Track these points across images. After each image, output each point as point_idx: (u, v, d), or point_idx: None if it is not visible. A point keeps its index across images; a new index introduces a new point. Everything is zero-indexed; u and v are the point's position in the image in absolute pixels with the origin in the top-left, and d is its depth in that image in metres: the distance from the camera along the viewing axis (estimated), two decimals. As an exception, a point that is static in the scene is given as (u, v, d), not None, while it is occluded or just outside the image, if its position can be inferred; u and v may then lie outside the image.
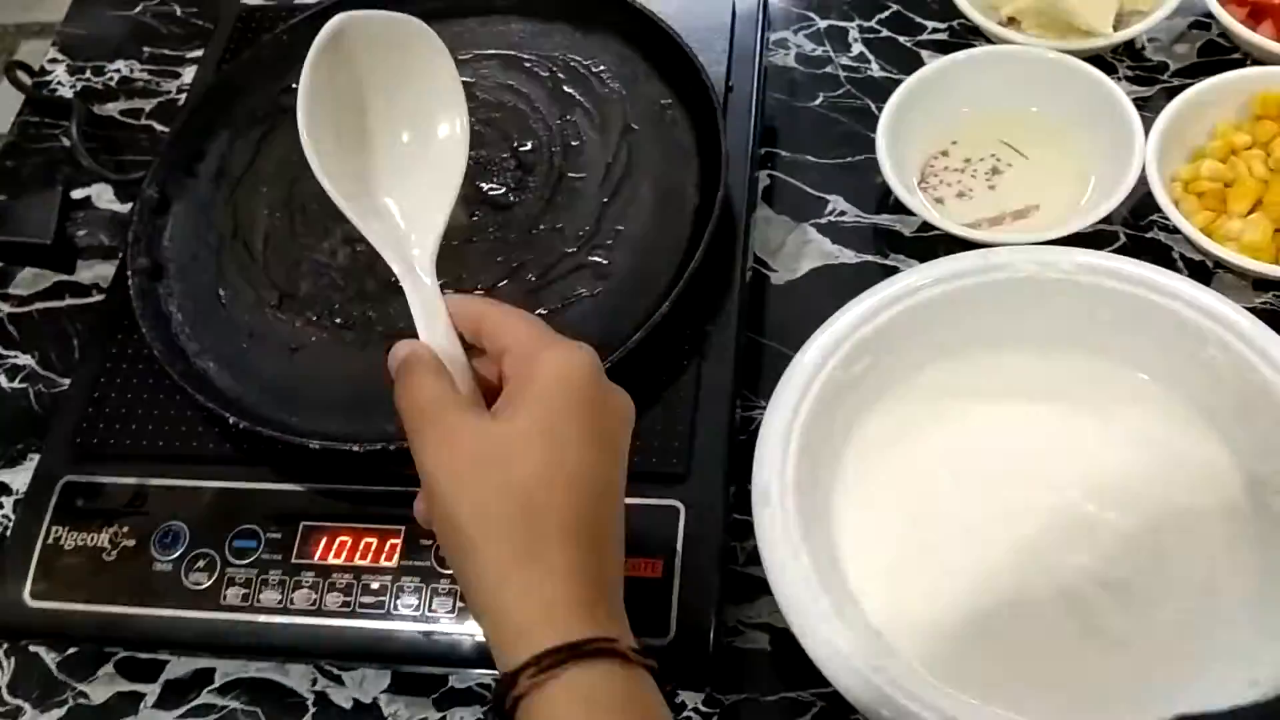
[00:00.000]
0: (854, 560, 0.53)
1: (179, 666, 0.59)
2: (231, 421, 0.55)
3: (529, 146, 0.64)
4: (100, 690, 0.59)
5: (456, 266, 0.60)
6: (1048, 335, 0.57)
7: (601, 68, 0.67)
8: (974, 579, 0.53)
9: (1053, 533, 0.54)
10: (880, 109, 0.67)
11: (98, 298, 0.73)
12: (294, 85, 0.65)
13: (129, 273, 0.61)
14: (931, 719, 0.45)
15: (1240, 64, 0.68)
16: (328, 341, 0.60)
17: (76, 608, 0.55)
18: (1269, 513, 0.51)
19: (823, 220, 0.69)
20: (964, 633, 0.52)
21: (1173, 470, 0.54)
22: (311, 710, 0.57)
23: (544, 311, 0.58)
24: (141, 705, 0.58)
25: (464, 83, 0.66)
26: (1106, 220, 0.63)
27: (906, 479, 0.56)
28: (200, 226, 0.65)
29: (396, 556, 0.54)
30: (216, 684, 0.58)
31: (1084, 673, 0.50)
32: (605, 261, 0.59)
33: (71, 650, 0.60)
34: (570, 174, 0.63)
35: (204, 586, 0.54)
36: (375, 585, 0.53)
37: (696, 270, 0.56)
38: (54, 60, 0.86)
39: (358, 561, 0.54)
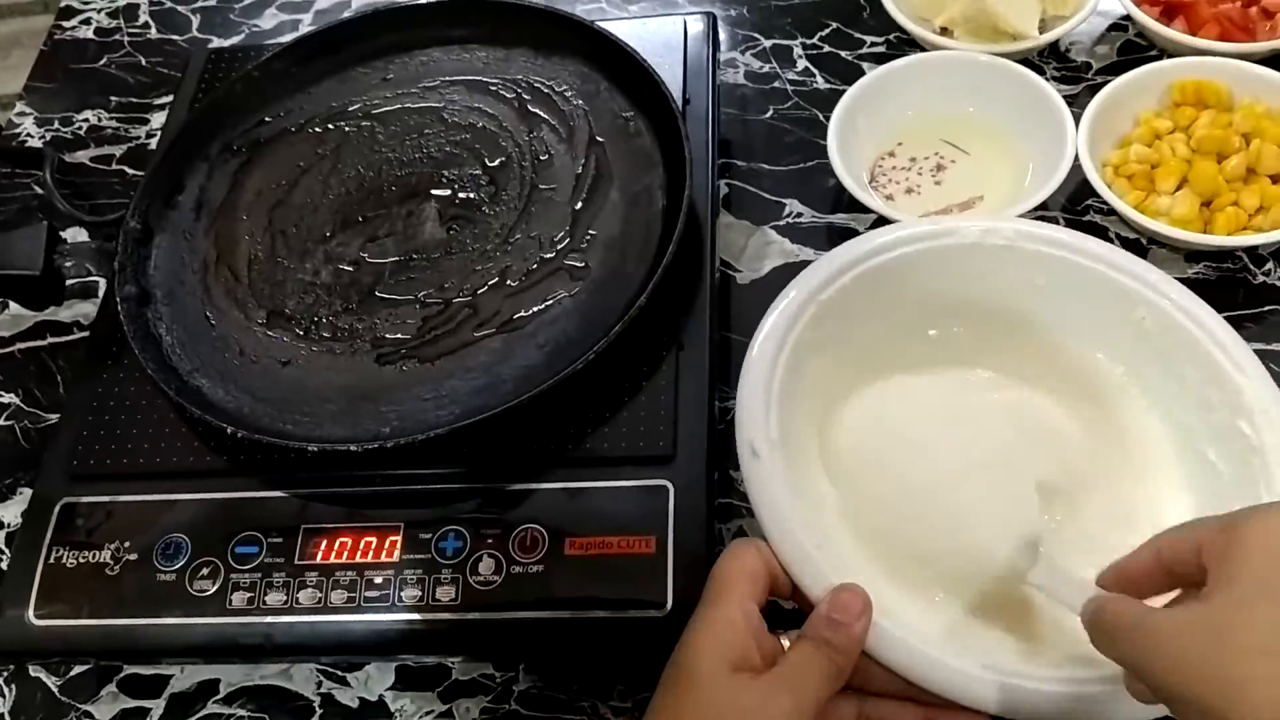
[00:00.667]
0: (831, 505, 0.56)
1: (183, 680, 0.60)
2: (230, 431, 0.57)
3: (499, 163, 0.67)
4: (105, 709, 0.60)
5: (438, 277, 0.63)
6: (992, 304, 0.60)
7: (564, 87, 0.70)
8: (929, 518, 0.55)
9: (998, 491, 0.56)
10: (827, 118, 0.71)
11: (79, 334, 0.74)
12: (267, 119, 0.70)
13: (118, 299, 0.63)
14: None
15: (1156, 60, 0.73)
16: (317, 354, 0.62)
17: (83, 623, 0.56)
18: (1201, 461, 0.55)
19: (781, 222, 0.72)
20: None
21: (1106, 432, 0.57)
22: (319, 712, 0.58)
23: (525, 313, 0.61)
24: (148, 720, 0.59)
25: (433, 107, 0.71)
26: (1045, 207, 0.68)
27: (866, 440, 0.58)
28: (184, 254, 0.67)
29: (398, 552, 0.55)
30: (221, 694, 0.59)
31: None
32: (581, 264, 0.62)
33: (74, 672, 0.61)
34: (541, 185, 0.66)
35: (209, 593, 0.55)
36: (379, 580, 0.55)
37: (670, 264, 0.59)
38: (21, 114, 0.88)
39: (359, 559, 0.56)
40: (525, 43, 0.73)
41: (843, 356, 0.59)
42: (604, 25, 0.71)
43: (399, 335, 0.61)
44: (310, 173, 0.69)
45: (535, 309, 0.61)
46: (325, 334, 0.62)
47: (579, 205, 0.65)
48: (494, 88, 0.71)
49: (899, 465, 0.57)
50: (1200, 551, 0.40)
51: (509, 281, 0.62)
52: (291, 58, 0.73)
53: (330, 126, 0.71)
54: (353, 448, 0.55)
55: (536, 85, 0.71)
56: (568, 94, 0.70)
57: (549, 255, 0.63)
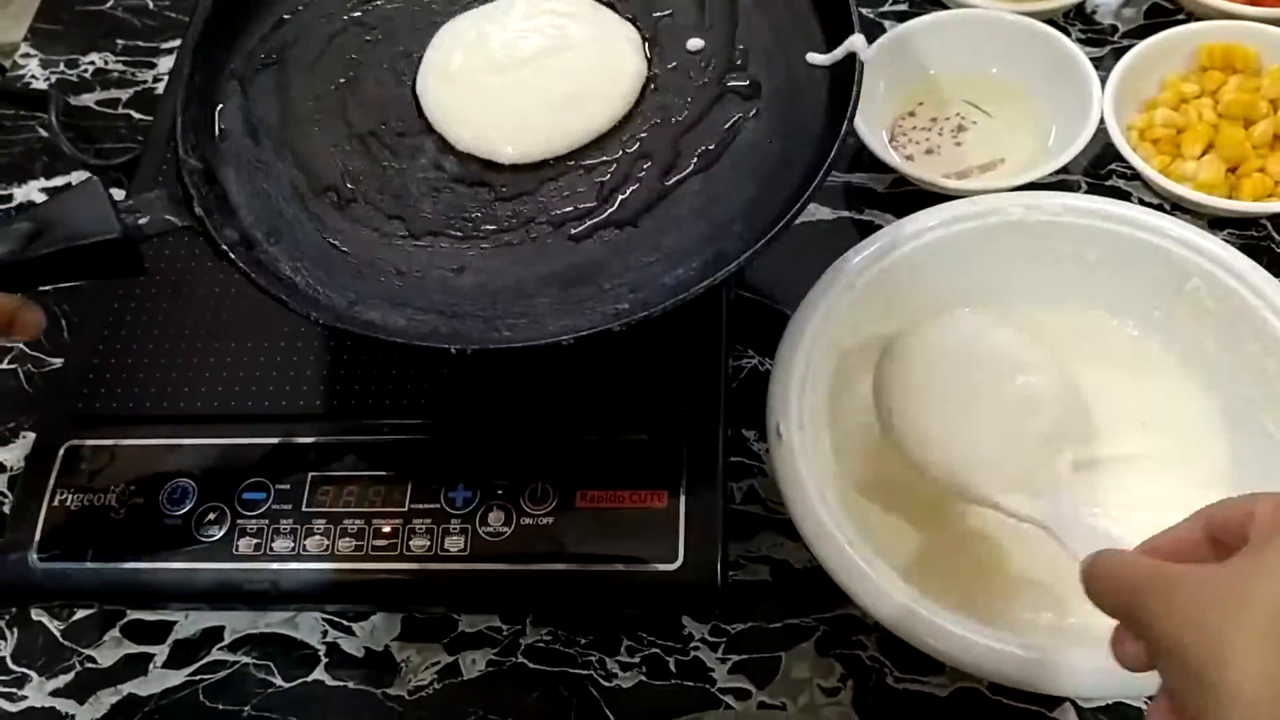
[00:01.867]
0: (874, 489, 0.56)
1: (187, 626, 0.60)
2: (455, 351, 0.48)
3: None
4: (108, 654, 0.59)
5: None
6: (1041, 285, 0.60)
7: None
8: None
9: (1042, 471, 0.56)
10: (848, 75, 0.70)
11: (84, 279, 0.73)
12: (286, 16, 0.61)
13: (225, 250, 0.51)
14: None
15: (1182, 24, 0.72)
16: (492, 250, 0.54)
17: (87, 566, 0.55)
18: (1259, 433, 0.54)
19: (798, 180, 0.71)
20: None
21: (1159, 415, 0.57)
22: (324, 661, 0.58)
23: (711, 147, 0.55)
24: (151, 666, 0.59)
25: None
26: (1067, 171, 0.67)
27: (906, 430, 0.58)
28: (265, 184, 0.56)
29: (406, 500, 0.55)
30: (226, 641, 0.59)
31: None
32: (745, 82, 0.56)
33: (77, 616, 0.60)
34: (657, 13, 0.59)
35: (216, 538, 0.55)
36: (387, 529, 0.54)
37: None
38: (25, 55, 0.87)
39: (367, 508, 0.55)
40: None
41: (882, 338, 0.58)
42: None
43: (582, 205, 0.54)
44: (366, 64, 0.60)
45: (719, 140, 0.55)
46: (490, 226, 0.54)
47: (710, 24, 0.58)
48: None
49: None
50: (1252, 521, 0.36)
51: (673, 119, 0.56)
52: None
53: (369, 6, 0.62)
54: (452, 349, 0.48)
55: None
56: None
57: (704, 81, 0.57)
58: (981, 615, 0.51)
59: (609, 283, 0.52)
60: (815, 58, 0.56)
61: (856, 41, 0.53)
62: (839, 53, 0.54)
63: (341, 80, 0.60)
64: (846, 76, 0.53)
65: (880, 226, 0.62)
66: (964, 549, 0.56)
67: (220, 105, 0.58)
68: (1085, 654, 0.47)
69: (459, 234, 0.54)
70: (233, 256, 0.51)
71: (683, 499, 0.53)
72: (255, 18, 0.61)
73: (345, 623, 0.59)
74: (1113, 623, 0.39)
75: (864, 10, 0.78)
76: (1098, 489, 0.56)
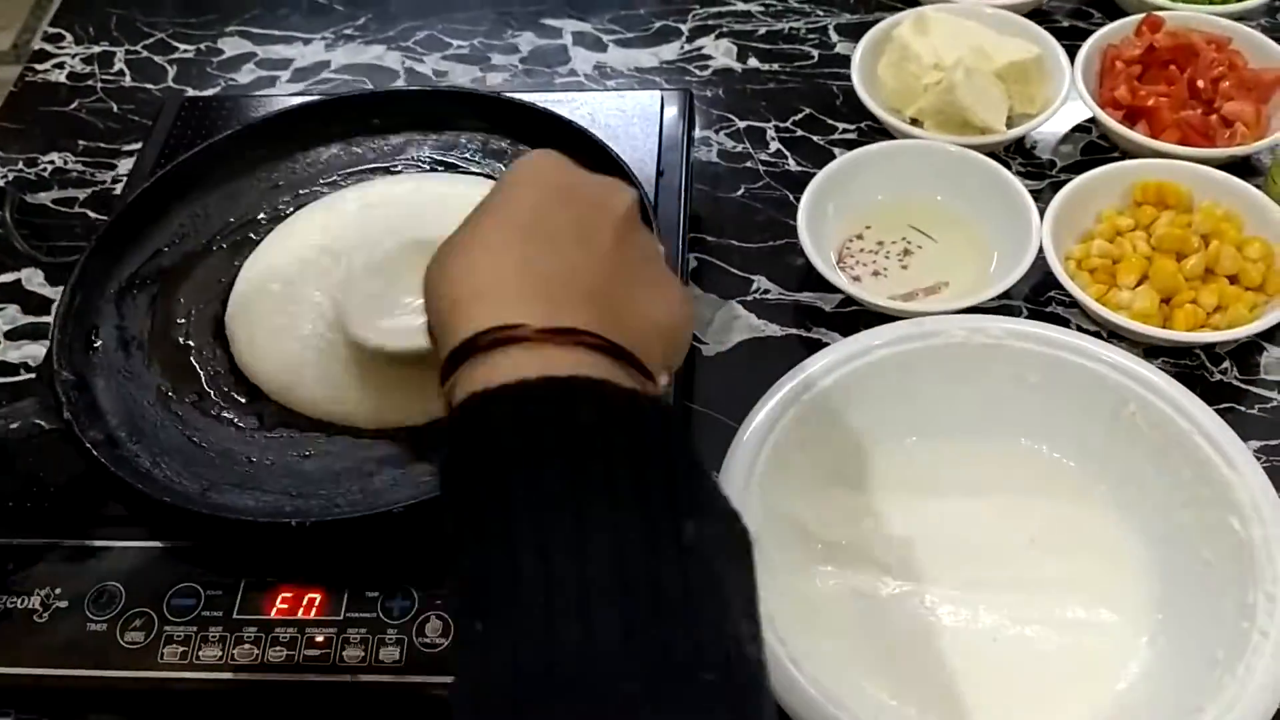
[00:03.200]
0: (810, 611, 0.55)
1: (106, 738, 0.57)
2: (295, 524, 0.52)
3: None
4: (19, 766, 0.56)
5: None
6: (981, 406, 0.61)
7: (467, 154, 0.71)
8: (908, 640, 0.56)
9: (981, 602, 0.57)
10: (797, 199, 0.72)
11: (26, 376, 0.72)
12: (164, 248, 0.66)
13: (90, 448, 0.55)
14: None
15: (1118, 161, 0.75)
16: (337, 435, 0.59)
17: (5, 671, 0.53)
18: (1195, 559, 0.54)
19: (749, 298, 0.72)
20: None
21: (1091, 566, 0.57)
22: (247, 778, 0.56)
23: None
24: (65, 779, 0.56)
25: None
26: (1009, 296, 0.69)
27: (848, 550, 0.58)
28: (132, 391, 0.60)
29: (342, 610, 0.54)
30: (145, 754, 0.56)
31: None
32: None
33: (-9, 724, 0.58)
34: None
35: (140, 646, 0.53)
36: (320, 638, 0.53)
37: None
38: (-15, 152, 0.87)
39: (301, 616, 0.54)
40: (411, 126, 0.73)
41: (826, 452, 0.59)
42: (589, 99, 0.73)
43: None
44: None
45: None
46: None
47: None
48: (396, 170, 0.71)
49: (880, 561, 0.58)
50: None
51: None
52: (166, 186, 0.68)
53: (239, 238, 0.67)
54: (293, 522, 0.52)
55: (439, 159, 0.71)
56: (474, 161, 0.70)
57: None
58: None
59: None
60: None
61: None
62: None
63: (205, 300, 0.65)
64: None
65: (827, 344, 0.63)
66: (913, 658, 0.55)
67: (97, 325, 0.63)
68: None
69: (308, 426, 0.59)
70: (95, 454, 0.55)
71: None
72: (135, 249, 0.67)
73: (272, 736, 0.57)
74: None
75: (815, 137, 0.81)
76: (1022, 607, 0.56)
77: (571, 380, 0.35)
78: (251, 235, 0.68)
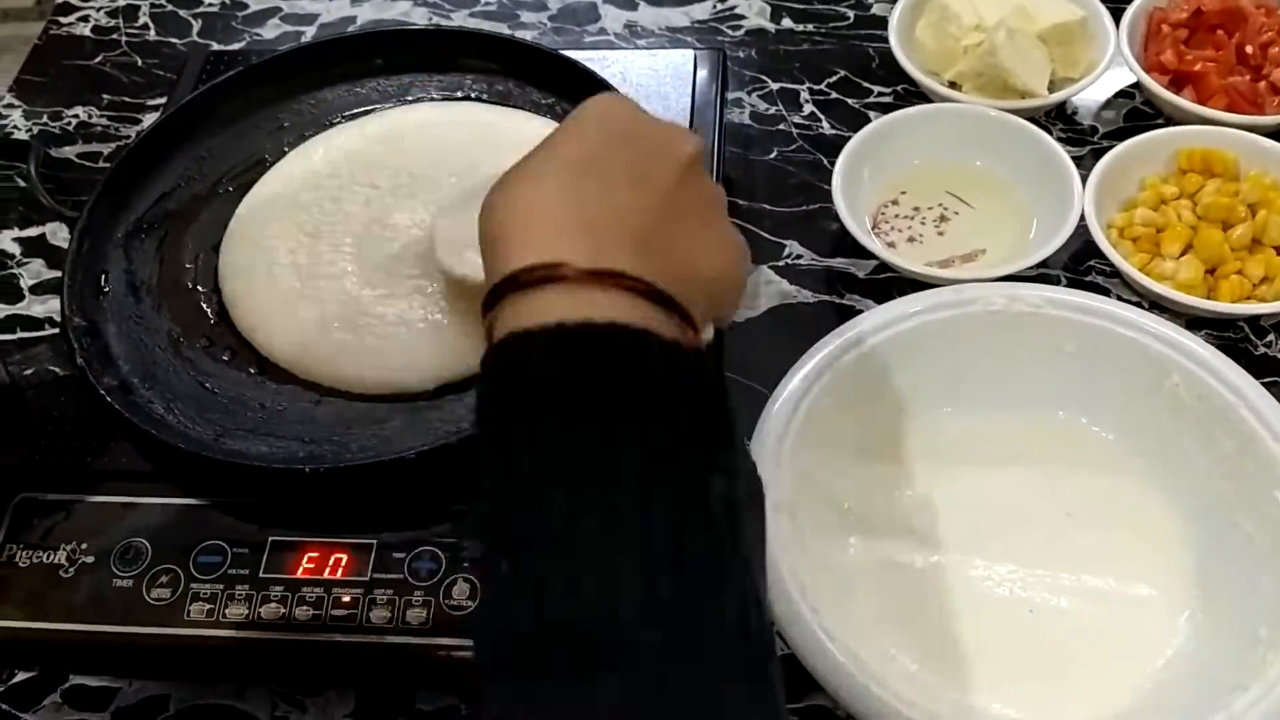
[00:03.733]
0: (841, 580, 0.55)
1: (129, 695, 0.57)
2: (309, 470, 0.53)
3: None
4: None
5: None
6: (1019, 375, 0.60)
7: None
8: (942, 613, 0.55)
9: (1014, 574, 0.56)
10: (831, 163, 0.71)
11: (51, 331, 0.72)
12: (168, 191, 0.66)
13: (104, 394, 0.55)
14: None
15: (1161, 128, 0.73)
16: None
17: (32, 625, 0.53)
18: (1236, 531, 0.54)
19: (780, 263, 0.71)
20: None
21: (1128, 539, 0.56)
22: (272, 736, 0.56)
23: None
24: (90, 734, 0.56)
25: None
26: (1047, 265, 0.67)
27: (880, 520, 0.58)
28: (141, 336, 0.60)
29: (369, 570, 0.53)
30: (171, 711, 0.56)
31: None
32: None
33: (17, 679, 0.58)
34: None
35: (166, 602, 0.53)
36: (346, 598, 0.52)
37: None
38: (9, 106, 0.86)
39: (328, 576, 0.53)
40: (417, 67, 0.72)
41: (860, 421, 0.58)
42: (620, 58, 0.72)
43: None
44: None
45: None
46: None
47: None
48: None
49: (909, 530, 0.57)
50: None
51: None
52: (170, 130, 0.68)
53: (244, 180, 0.67)
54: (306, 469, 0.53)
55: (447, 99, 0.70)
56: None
57: None
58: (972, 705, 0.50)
59: (453, 406, 0.56)
60: None
61: None
62: None
63: (213, 244, 0.64)
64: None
65: (861, 311, 0.62)
66: (946, 629, 0.54)
67: (106, 270, 0.63)
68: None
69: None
70: (109, 400, 0.55)
71: (654, 578, 0.52)
72: (140, 194, 0.66)
73: (297, 696, 0.56)
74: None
75: (850, 100, 0.80)
76: (1059, 580, 0.55)
77: (610, 327, 0.35)
78: (256, 177, 0.67)
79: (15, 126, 0.85)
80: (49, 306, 0.73)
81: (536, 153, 0.41)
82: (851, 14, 0.85)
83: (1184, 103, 0.72)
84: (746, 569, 0.34)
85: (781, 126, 0.79)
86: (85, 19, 0.92)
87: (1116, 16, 0.76)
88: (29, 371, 0.56)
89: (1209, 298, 0.63)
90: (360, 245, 0.61)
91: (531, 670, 0.31)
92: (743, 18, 0.86)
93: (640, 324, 0.35)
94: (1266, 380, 0.63)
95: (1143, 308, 0.66)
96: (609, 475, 0.33)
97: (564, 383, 0.34)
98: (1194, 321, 0.65)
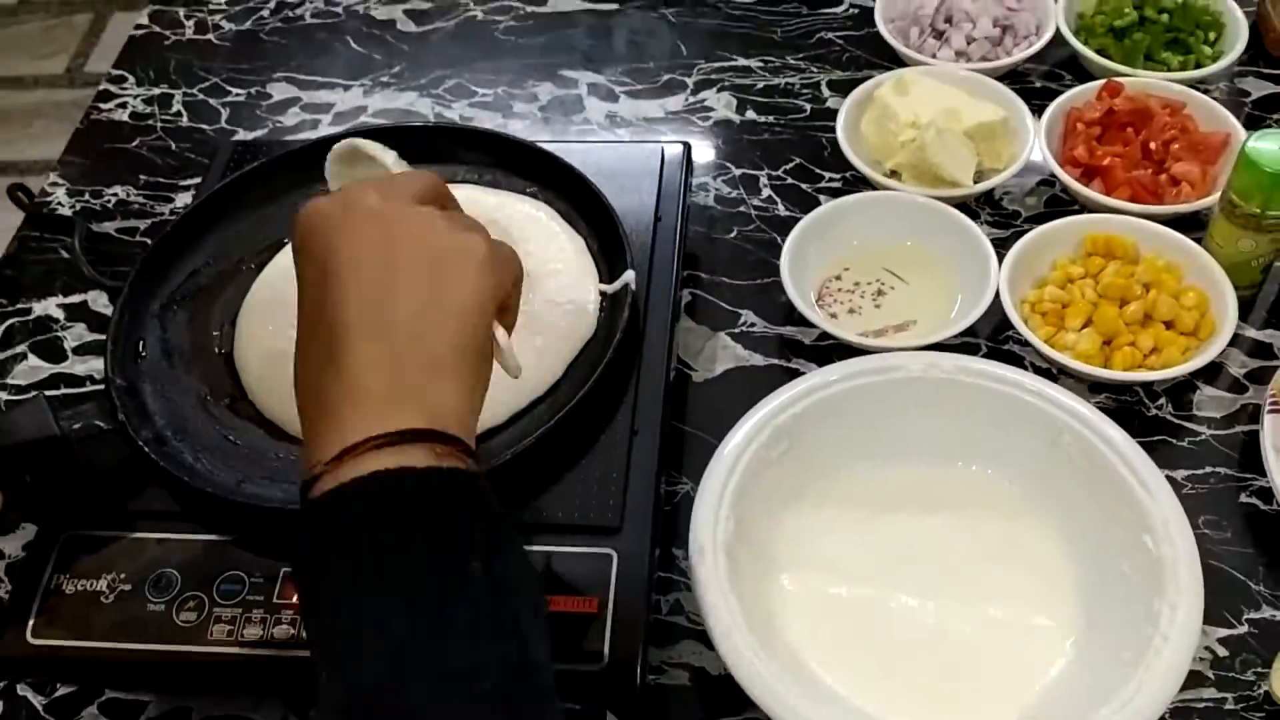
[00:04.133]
0: (774, 605, 0.63)
1: (157, 707, 0.65)
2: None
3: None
4: (84, 728, 0.65)
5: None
6: (934, 434, 0.69)
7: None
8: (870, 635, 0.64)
9: (927, 600, 0.65)
10: (785, 241, 0.80)
11: (92, 388, 0.81)
12: (198, 269, 0.76)
13: (141, 445, 0.64)
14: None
15: (1077, 214, 0.82)
16: None
17: (75, 644, 0.61)
18: (1116, 572, 0.62)
19: (736, 330, 0.80)
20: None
21: (1027, 577, 0.65)
22: (280, 744, 0.64)
23: None
24: (123, 741, 0.64)
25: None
26: (972, 334, 0.76)
27: (809, 559, 0.67)
28: (175, 396, 0.69)
29: (366, 598, 0.62)
30: (193, 721, 0.65)
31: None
32: None
33: (59, 693, 0.66)
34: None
35: (193, 624, 0.61)
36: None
37: (612, 360, 0.67)
38: (54, 184, 0.96)
39: (332, 602, 0.62)
40: (425, 159, 0.79)
41: (795, 472, 0.67)
42: (595, 148, 0.81)
43: None
44: None
45: None
46: None
47: None
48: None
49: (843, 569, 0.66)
50: None
51: None
52: (204, 213, 0.78)
53: (267, 258, 0.76)
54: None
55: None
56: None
57: None
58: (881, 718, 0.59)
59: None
60: (603, 287, 0.71)
61: (628, 275, 0.70)
62: (618, 283, 0.70)
63: (234, 316, 0.73)
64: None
65: (804, 374, 0.70)
66: (865, 653, 0.63)
67: (143, 337, 0.72)
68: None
69: None
70: (146, 450, 0.64)
71: (611, 606, 0.61)
72: (174, 270, 0.76)
73: (304, 708, 0.65)
74: None
75: (803, 185, 0.90)
76: (966, 612, 0.64)
77: (395, 472, 0.43)
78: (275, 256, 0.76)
79: (59, 203, 0.95)
80: (90, 366, 0.83)
81: (309, 325, 0.48)
82: (808, 107, 0.95)
83: (1091, 193, 0.81)
84: (511, 633, 0.42)
85: (742, 208, 0.88)
86: (124, 105, 1.02)
87: (1039, 114, 0.86)
88: (77, 426, 0.65)
89: (1105, 366, 0.72)
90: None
91: None
92: (711, 109, 0.96)
93: (420, 463, 0.43)
94: (1155, 439, 0.72)
95: (1051, 375, 0.75)
96: (382, 582, 0.41)
97: (349, 522, 0.43)
98: (1095, 386, 0.74)
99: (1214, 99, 0.87)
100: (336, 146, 0.62)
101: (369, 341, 0.45)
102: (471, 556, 0.42)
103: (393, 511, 0.42)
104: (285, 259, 0.75)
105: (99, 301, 0.87)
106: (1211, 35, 0.93)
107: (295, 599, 0.62)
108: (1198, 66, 0.91)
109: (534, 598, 0.45)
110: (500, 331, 0.51)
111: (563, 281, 0.72)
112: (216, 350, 0.72)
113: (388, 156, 0.60)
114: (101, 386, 0.77)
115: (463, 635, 0.41)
